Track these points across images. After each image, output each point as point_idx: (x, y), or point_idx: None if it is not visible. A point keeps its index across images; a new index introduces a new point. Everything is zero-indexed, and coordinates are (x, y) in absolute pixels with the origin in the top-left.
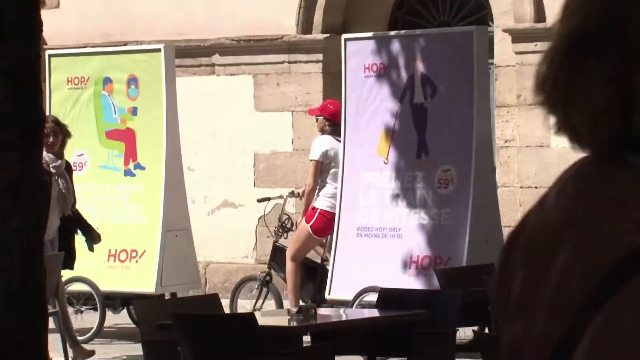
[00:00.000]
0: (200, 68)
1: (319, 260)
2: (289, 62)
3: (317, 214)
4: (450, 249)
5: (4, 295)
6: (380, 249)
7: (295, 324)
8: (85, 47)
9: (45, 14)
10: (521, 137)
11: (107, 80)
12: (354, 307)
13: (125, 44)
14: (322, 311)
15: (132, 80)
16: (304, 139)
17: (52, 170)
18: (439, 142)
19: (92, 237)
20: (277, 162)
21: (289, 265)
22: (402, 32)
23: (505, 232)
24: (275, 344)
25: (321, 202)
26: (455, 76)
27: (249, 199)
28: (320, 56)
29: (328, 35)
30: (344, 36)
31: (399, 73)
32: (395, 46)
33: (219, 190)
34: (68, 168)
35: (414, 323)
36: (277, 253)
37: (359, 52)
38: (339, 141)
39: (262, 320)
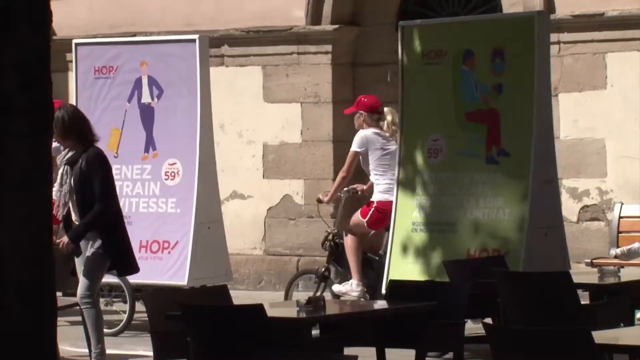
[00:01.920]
0: (210, 59)
1: None
2: (298, 53)
3: None
4: (178, 234)
5: (14, 286)
6: None
7: (304, 315)
8: (94, 37)
9: (54, 5)
10: None
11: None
12: None
13: (134, 34)
14: (331, 303)
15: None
16: (313, 130)
17: (57, 161)
18: (165, 139)
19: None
20: (286, 154)
21: None
22: (131, 38)
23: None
24: (284, 335)
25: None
26: (180, 79)
27: (258, 190)
28: (329, 47)
29: (337, 26)
30: (74, 41)
31: (128, 75)
32: (124, 50)
33: (228, 182)
34: (88, 159)
35: (423, 314)
36: None
37: (89, 55)
38: None
39: (271, 311)
